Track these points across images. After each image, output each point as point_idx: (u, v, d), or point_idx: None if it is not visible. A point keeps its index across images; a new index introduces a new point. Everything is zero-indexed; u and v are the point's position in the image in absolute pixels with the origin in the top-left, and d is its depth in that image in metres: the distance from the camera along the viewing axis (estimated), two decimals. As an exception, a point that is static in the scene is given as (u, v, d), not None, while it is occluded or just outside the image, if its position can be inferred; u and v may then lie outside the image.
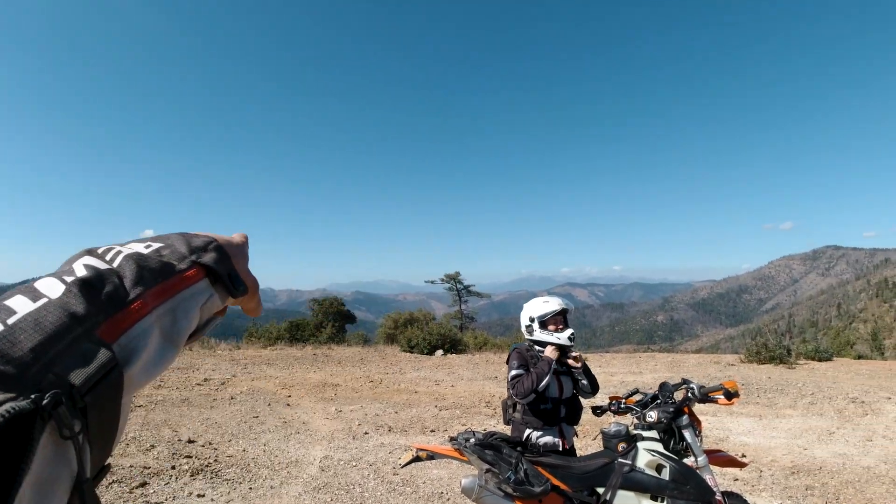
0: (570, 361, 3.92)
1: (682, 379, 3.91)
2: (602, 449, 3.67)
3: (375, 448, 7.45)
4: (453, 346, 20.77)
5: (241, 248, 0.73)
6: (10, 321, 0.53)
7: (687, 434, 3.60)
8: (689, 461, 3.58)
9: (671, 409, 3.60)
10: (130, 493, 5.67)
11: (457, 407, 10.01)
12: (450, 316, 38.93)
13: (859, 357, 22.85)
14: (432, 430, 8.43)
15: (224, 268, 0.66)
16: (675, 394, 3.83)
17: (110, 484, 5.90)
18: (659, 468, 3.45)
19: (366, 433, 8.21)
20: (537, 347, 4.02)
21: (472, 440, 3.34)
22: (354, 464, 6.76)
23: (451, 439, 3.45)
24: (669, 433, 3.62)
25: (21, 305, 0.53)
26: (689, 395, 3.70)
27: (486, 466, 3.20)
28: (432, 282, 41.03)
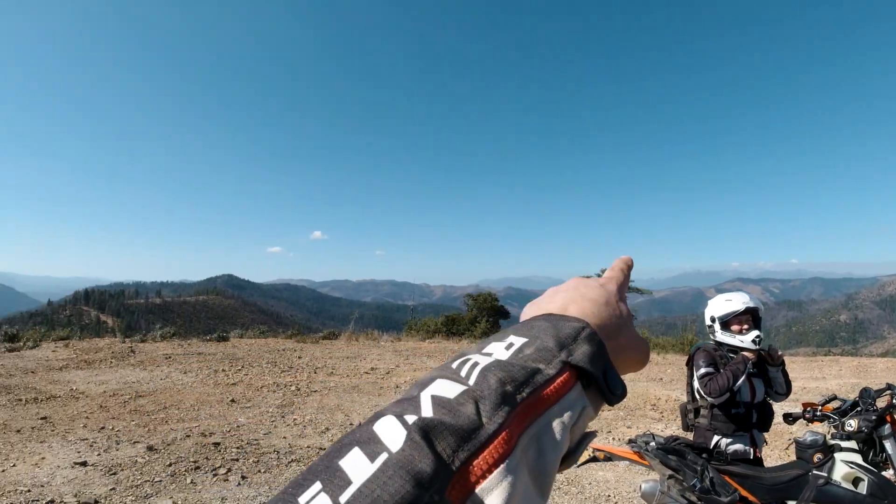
0: (747, 353, 3.59)
1: (887, 384, 3.48)
2: (794, 459, 3.37)
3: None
4: (611, 344, 20.20)
5: (621, 319, 0.54)
6: (344, 499, 0.45)
7: (889, 445, 3.19)
8: (888, 474, 3.20)
9: (873, 418, 3.21)
10: (310, 472, 6.07)
11: (620, 408, 9.69)
12: (612, 313, 37.83)
13: None
14: (596, 431, 8.21)
15: (599, 365, 0.48)
16: (877, 401, 3.42)
17: (290, 462, 6.36)
18: (856, 481, 3.11)
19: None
20: (726, 347, 3.72)
21: (653, 444, 3.17)
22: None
23: (630, 441, 3.31)
24: (869, 444, 3.24)
25: (357, 469, 0.45)
26: (894, 401, 3.30)
27: (670, 472, 3.03)
28: (587, 277, 40.12)
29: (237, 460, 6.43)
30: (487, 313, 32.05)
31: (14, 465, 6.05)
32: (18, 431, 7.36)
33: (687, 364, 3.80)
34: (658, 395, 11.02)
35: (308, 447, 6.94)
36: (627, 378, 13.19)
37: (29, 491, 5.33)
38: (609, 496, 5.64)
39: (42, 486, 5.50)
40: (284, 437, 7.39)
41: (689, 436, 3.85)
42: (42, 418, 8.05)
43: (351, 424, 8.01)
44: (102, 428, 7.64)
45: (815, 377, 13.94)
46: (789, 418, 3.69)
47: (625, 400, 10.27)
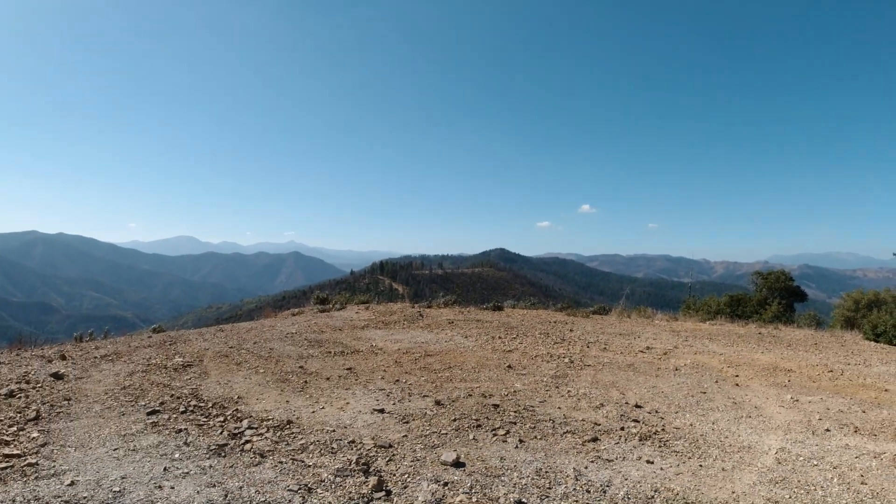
0: None
1: None
2: None
3: (840, 449, 6.47)
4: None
5: None
6: None
7: None
8: None
9: None
10: (583, 445, 6.12)
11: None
12: (932, 300, 31.59)
13: None
14: (930, 440, 6.92)
15: None
16: None
17: (564, 433, 6.45)
18: None
19: (827, 430, 7.21)
20: None
21: None
22: (815, 462, 5.99)
23: None
24: None
25: None
26: None
27: None
28: (907, 256, 33.70)
29: (515, 423, 6.73)
30: (780, 294, 28.94)
31: (323, 408, 7.11)
32: (328, 379, 8.63)
33: None
34: None
35: (583, 420, 6.98)
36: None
37: (334, 431, 6.21)
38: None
39: (345, 427, 6.37)
40: (559, 408, 7.53)
41: None
42: (347, 369, 9.32)
43: (626, 403, 7.86)
44: (397, 381, 8.59)
45: None
46: None
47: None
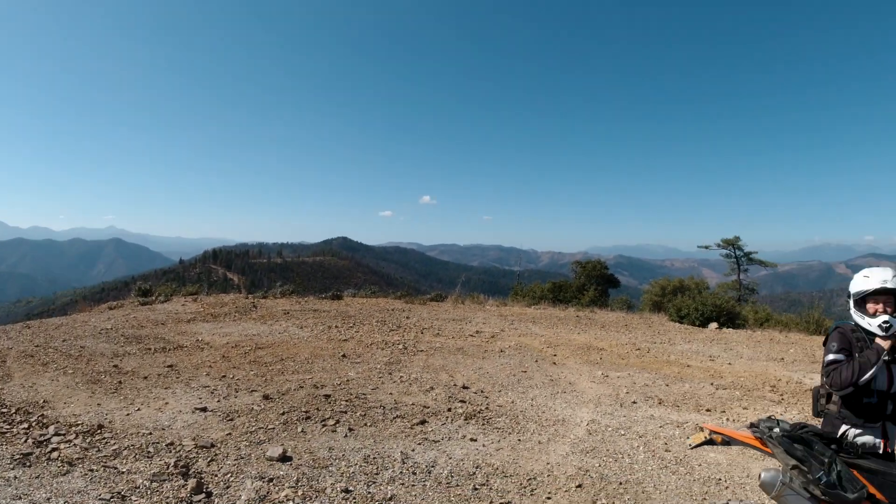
0: (879, 342, 3.17)
1: None
2: None
3: (645, 419, 7.13)
4: (730, 319, 19.11)
5: None
6: None
7: None
8: None
9: None
10: (411, 428, 6.22)
11: (736, 387, 9.16)
12: (726, 286, 35.80)
13: None
14: (707, 410, 7.80)
15: None
16: None
17: (395, 418, 6.52)
18: None
19: (634, 402, 7.92)
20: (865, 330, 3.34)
21: (778, 430, 2.91)
22: (623, 432, 6.55)
23: (752, 426, 3.04)
24: None
25: None
26: None
27: (794, 462, 2.77)
28: (707, 247, 37.93)
29: (345, 412, 6.67)
30: (596, 281, 31.39)
31: (139, 410, 6.57)
32: (145, 378, 8.00)
33: (824, 344, 3.45)
34: (778, 375, 10.34)
35: (413, 404, 7.10)
36: (744, 357, 12.49)
37: (150, 433, 5.76)
38: (720, 479, 5.34)
39: (163, 429, 5.94)
40: (391, 394, 7.59)
41: (817, 422, 3.54)
42: (168, 366, 8.70)
43: (455, 385, 8.11)
44: (223, 377, 8.16)
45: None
46: None
47: (741, 379, 9.76)
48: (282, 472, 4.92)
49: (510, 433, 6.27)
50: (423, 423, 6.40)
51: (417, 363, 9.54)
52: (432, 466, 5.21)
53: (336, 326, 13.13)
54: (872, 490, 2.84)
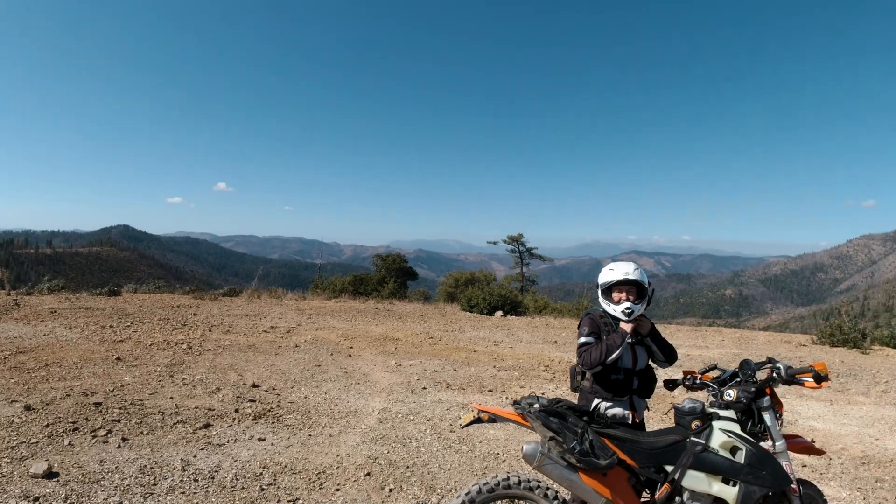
0: (624, 326, 3.65)
1: (768, 358, 3.62)
2: (673, 425, 3.45)
3: (433, 403, 7.47)
4: (513, 308, 20.65)
5: None
6: None
7: (767, 417, 3.34)
8: (765, 445, 3.33)
9: (752, 389, 3.33)
10: (194, 433, 5.87)
11: (515, 369, 9.94)
12: (511, 278, 38.80)
13: (944, 347, 21.44)
14: (490, 390, 8.39)
15: None
16: (757, 373, 3.55)
17: (175, 424, 6.11)
18: (734, 450, 3.22)
19: (424, 388, 8.25)
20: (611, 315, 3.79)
21: (537, 406, 3.18)
22: (412, 418, 6.80)
23: (515, 403, 3.30)
24: (748, 414, 3.37)
25: None
26: (774, 375, 3.42)
27: (551, 434, 3.03)
28: (495, 243, 40.70)
29: (119, 421, 6.10)
30: (396, 274, 32.05)
31: None
32: None
33: (578, 327, 3.87)
34: (552, 356, 11.38)
35: (196, 408, 6.69)
36: (524, 341, 13.54)
37: None
38: (498, 454, 5.77)
39: None
40: (171, 398, 7.09)
41: (575, 397, 3.94)
42: None
43: (244, 384, 7.80)
44: (-26, 387, 7.07)
45: (698, 346, 14.77)
46: (669, 385, 3.81)
47: (520, 361, 10.56)
48: (48, 490, 4.40)
49: (301, 429, 6.19)
50: (206, 426, 6.07)
51: (203, 363, 9.02)
52: (216, 471, 4.97)
53: (111, 326, 11.96)
54: (623, 456, 3.17)
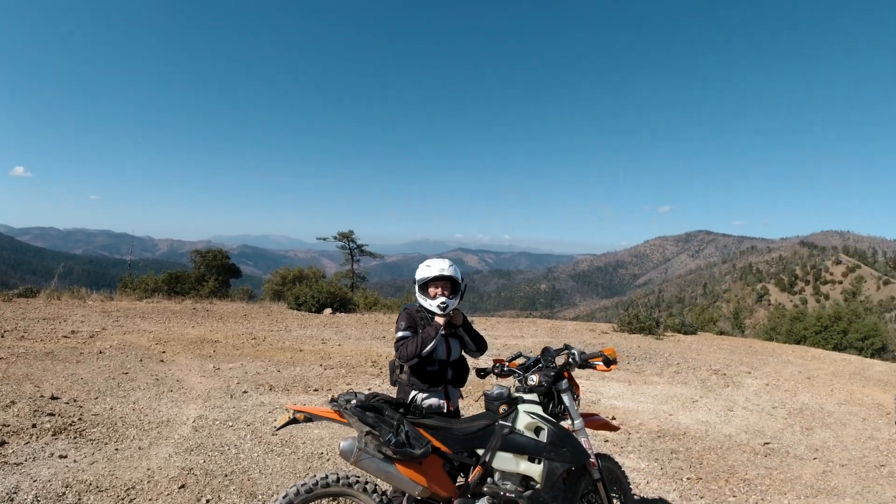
0: (438, 319, 3.89)
1: (564, 344, 4.00)
2: (484, 411, 3.71)
3: (254, 407, 7.29)
4: (343, 305, 20.63)
5: None
6: None
7: (565, 398, 3.72)
8: (566, 424, 3.71)
9: (552, 373, 3.69)
10: (-15, 452, 5.26)
11: (342, 366, 9.98)
12: (340, 275, 38.57)
13: (721, 333, 24.86)
14: (315, 390, 8.36)
15: None
16: (556, 358, 3.92)
17: (-36, 443, 5.45)
18: (538, 430, 3.51)
19: (245, 392, 8.01)
20: (427, 309, 4.00)
21: (354, 402, 3.28)
22: (231, 424, 6.58)
23: (332, 401, 3.36)
24: (549, 396, 3.71)
25: None
26: (570, 360, 3.80)
27: (367, 429, 3.14)
28: (324, 239, 40.21)
29: None
30: (217, 271, 30.52)
31: None
32: None
33: (397, 322, 4.05)
34: (380, 352, 11.58)
35: (-17, 425, 5.99)
36: (352, 338, 13.62)
37: None
38: (322, 453, 5.79)
39: None
40: (-50, 416, 6.27)
41: (394, 391, 4.11)
42: None
43: (41, 396, 7.07)
44: None
45: (515, 335, 15.79)
46: (481, 373, 4.13)
47: (348, 358, 10.64)
48: None
49: (107, 443, 5.74)
50: (1, 444, 5.45)
51: (-9, 374, 8.06)
52: (14, 493, 4.48)
53: None
54: (437, 444, 3.36)
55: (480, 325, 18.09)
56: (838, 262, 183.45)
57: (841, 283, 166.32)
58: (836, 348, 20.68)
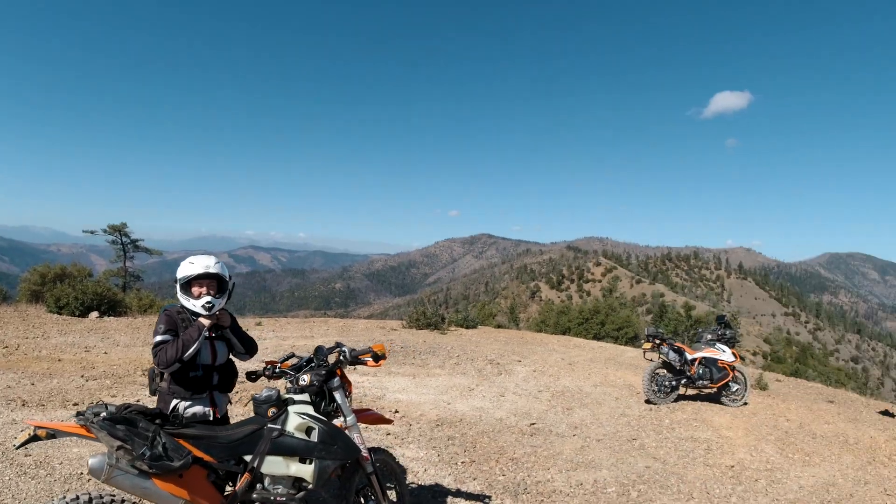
0: (202, 320, 3.70)
1: (336, 342, 4.06)
2: (253, 416, 3.62)
3: (5, 425, 6.45)
4: (112, 307, 18.86)
5: None
6: None
7: (337, 396, 3.78)
8: (339, 422, 3.78)
9: (323, 372, 3.72)
10: None
11: (108, 377, 9.19)
12: (111, 273, 34.97)
13: (499, 326, 26.91)
14: (75, 404, 7.61)
15: None
16: (328, 357, 3.94)
17: None
18: (309, 431, 3.52)
19: (-10, 409, 7.10)
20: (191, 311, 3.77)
21: (103, 414, 2.99)
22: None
23: (78, 414, 3.05)
24: (322, 395, 3.73)
25: None
26: (341, 357, 3.88)
27: (118, 443, 2.90)
28: (92, 232, 36.09)
29: None
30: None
31: None
32: None
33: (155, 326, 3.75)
34: (142, 361, 10.81)
35: None
36: (121, 344, 12.62)
37: None
38: (82, 473, 5.31)
39: None
40: None
41: (153, 401, 3.84)
42: None
43: None
44: None
45: (305, 336, 15.66)
46: (252, 377, 4.00)
47: (115, 367, 9.85)
48: None
49: None
50: None
51: None
52: None
53: None
54: (199, 454, 3.20)
55: (269, 326, 17.62)
56: (598, 264, 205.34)
57: (601, 281, 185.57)
58: (596, 337, 23.57)
